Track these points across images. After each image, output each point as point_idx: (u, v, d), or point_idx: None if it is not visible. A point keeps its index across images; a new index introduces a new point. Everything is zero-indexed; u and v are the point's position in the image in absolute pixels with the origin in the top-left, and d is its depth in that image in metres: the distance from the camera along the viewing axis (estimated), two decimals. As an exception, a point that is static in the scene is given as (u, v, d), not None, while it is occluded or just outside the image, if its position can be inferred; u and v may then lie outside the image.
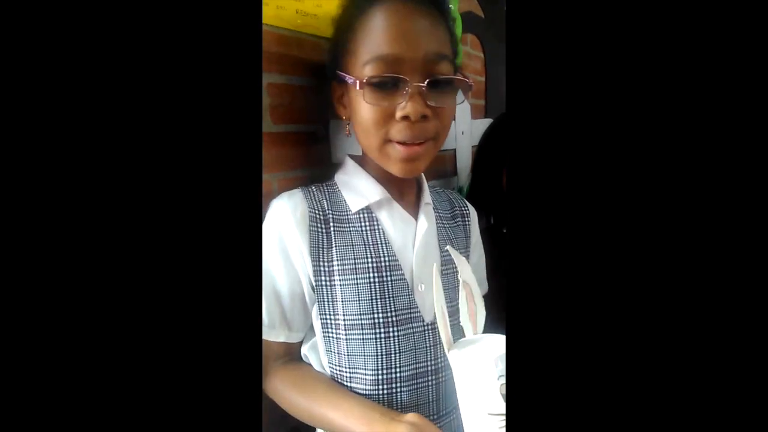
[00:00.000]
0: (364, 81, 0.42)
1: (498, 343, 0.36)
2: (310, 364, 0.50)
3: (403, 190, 0.52)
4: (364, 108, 0.43)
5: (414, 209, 0.52)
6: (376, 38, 0.42)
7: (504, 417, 0.32)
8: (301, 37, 0.56)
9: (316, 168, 0.59)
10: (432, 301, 0.45)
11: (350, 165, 0.52)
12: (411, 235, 0.49)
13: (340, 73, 0.46)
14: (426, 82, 0.42)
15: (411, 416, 0.38)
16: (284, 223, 0.46)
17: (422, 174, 0.54)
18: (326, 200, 0.49)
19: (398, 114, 0.42)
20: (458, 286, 0.52)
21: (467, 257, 0.57)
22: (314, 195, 0.49)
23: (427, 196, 0.53)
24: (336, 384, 0.47)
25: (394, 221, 0.49)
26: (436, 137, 0.46)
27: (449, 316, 0.39)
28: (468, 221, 0.58)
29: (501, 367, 0.33)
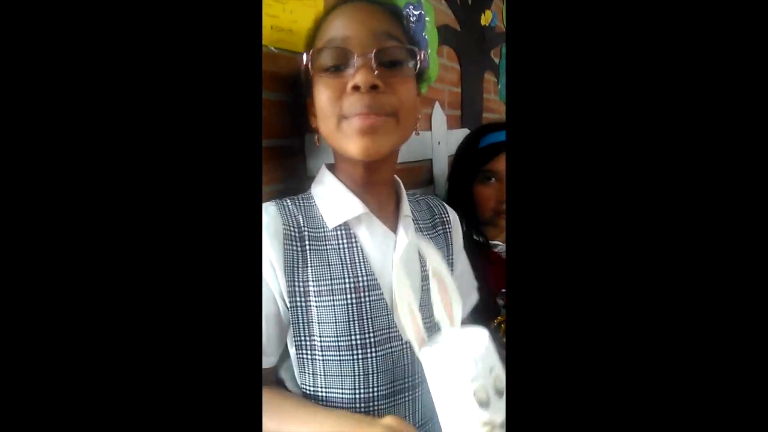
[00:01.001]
0: (314, 74, 0.45)
1: (477, 337, 0.32)
2: (280, 387, 0.49)
3: (381, 201, 0.50)
4: (319, 89, 0.45)
5: (393, 222, 0.50)
6: (329, 27, 0.45)
7: (487, 422, 0.29)
8: (275, 53, 0.56)
9: (291, 181, 0.60)
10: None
11: (326, 176, 0.51)
12: (390, 252, 0.48)
13: (301, 60, 0.47)
14: (373, 53, 0.43)
15: (388, 419, 0.38)
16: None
17: (400, 183, 0.54)
18: (302, 216, 0.47)
19: (349, 86, 0.43)
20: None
21: (451, 266, 0.55)
22: (289, 210, 0.48)
23: (406, 208, 0.52)
24: (304, 400, 0.46)
25: (373, 237, 0.48)
26: (394, 113, 0.44)
27: (433, 328, 0.37)
28: (449, 228, 0.57)
29: (479, 367, 0.29)
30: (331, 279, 0.45)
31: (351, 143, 0.44)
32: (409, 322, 0.34)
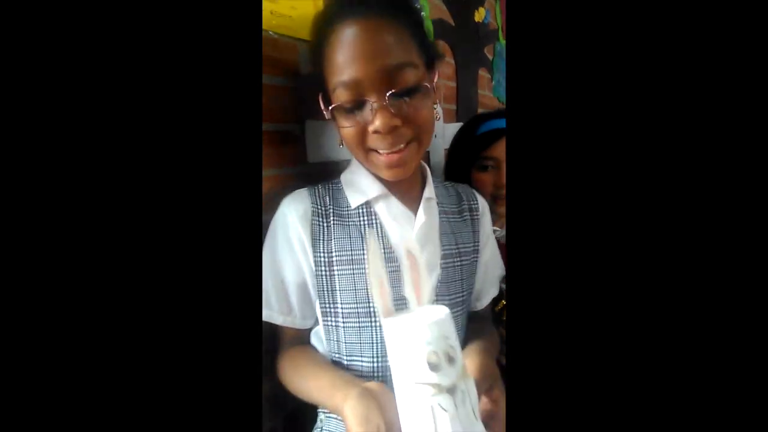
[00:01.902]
0: (331, 109, 0.46)
1: (437, 310, 0.33)
2: (313, 348, 0.53)
3: (404, 187, 0.52)
4: (342, 129, 0.47)
5: (415, 205, 0.52)
6: (337, 64, 0.43)
7: (435, 384, 0.30)
8: (274, 38, 0.56)
9: (291, 167, 0.60)
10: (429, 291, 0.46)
11: (354, 164, 0.54)
12: (408, 230, 0.50)
13: (320, 104, 0.48)
14: (387, 96, 0.42)
15: (370, 383, 0.40)
16: (289, 219, 0.50)
17: (426, 168, 0.56)
18: (329, 197, 0.52)
19: (370, 129, 0.44)
20: (460, 278, 0.52)
21: (476, 253, 0.56)
22: (319, 192, 0.52)
23: (429, 191, 0.54)
24: (321, 360, 0.50)
25: (392, 215, 0.50)
26: (416, 139, 0.46)
27: (451, 308, 0.39)
28: (477, 215, 0.58)
29: (434, 332, 0.30)
30: (351, 250, 0.48)
31: (381, 171, 0.48)
32: (377, 293, 0.35)
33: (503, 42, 1.35)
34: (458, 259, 0.53)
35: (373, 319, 0.47)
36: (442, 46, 1.01)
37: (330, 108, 0.46)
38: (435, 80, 0.48)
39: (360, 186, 0.52)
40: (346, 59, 0.42)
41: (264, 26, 0.54)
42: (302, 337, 0.53)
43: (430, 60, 0.48)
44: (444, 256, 0.52)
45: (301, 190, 0.53)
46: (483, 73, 1.22)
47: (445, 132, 0.98)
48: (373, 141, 0.45)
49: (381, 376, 0.47)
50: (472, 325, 0.56)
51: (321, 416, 0.54)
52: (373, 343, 0.47)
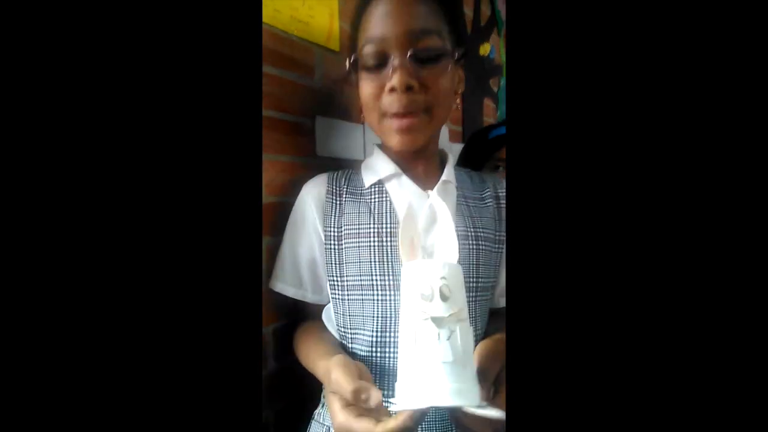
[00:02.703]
0: (352, 62, 0.49)
1: (449, 260, 0.36)
2: (321, 324, 0.55)
3: (420, 168, 0.53)
4: (362, 86, 0.49)
5: (431, 187, 0.52)
6: (369, 24, 0.48)
7: (424, 316, 0.32)
8: (293, 39, 0.63)
9: (300, 156, 0.64)
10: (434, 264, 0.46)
11: (375, 151, 0.56)
12: (420, 207, 0.49)
13: (347, 61, 0.50)
14: (408, 55, 0.45)
15: (341, 356, 0.40)
16: (305, 200, 0.53)
17: (447, 154, 0.57)
18: (345, 179, 0.54)
19: (387, 86, 0.46)
20: (475, 262, 0.51)
21: (501, 243, 0.55)
22: (337, 176, 0.55)
23: (447, 174, 0.54)
24: (321, 333, 0.53)
25: (404, 194, 0.51)
26: (429, 110, 0.47)
27: (479, 292, 0.44)
28: (502, 204, 0.56)
29: (432, 270, 0.34)
30: (359, 224, 0.50)
31: (390, 138, 0.49)
32: (407, 247, 0.38)
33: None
34: (474, 242, 0.51)
35: (375, 292, 0.48)
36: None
37: (353, 61, 0.48)
38: (458, 58, 0.49)
39: (375, 167, 0.54)
40: (377, 20, 0.47)
41: (284, 27, 0.61)
42: (315, 313, 0.55)
43: (458, 39, 0.50)
44: (459, 238, 0.51)
45: (321, 174, 0.56)
46: (488, 102, 1.29)
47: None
48: (388, 102, 0.47)
49: (379, 350, 0.47)
50: (493, 320, 0.54)
51: (323, 400, 0.53)
52: (373, 316, 0.47)
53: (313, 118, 0.66)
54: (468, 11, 1.18)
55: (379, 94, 0.47)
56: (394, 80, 0.45)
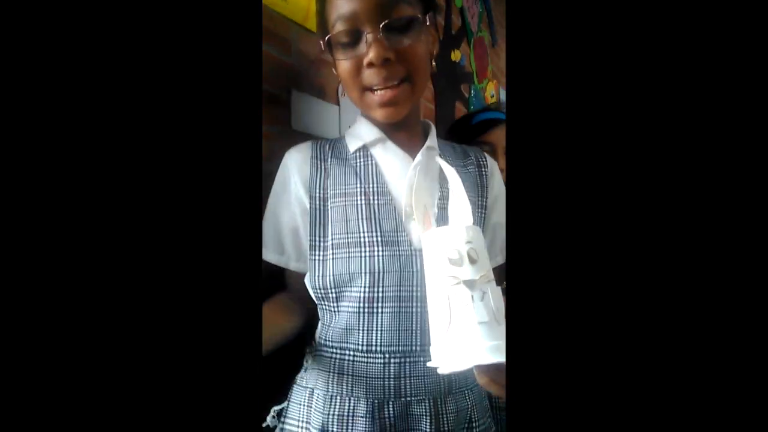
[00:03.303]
0: (327, 41, 0.48)
1: (467, 224, 0.37)
2: (289, 296, 0.55)
3: (404, 136, 0.54)
4: (339, 64, 0.49)
5: (415, 153, 0.52)
6: (336, 2, 0.47)
7: (455, 281, 0.33)
8: (272, 13, 0.65)
9: (274, 126, 0.64)
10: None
11: (358, 119, 0.56)
12: (405, 170, 0.51)
13: (319, 41, 0.50)
14: (381, 27, 0.45)
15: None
16: (288, 166, 0.53)
17: (430, 124, 0.57)
18: (329, 146, 0.55)
19: (365, 61, 0.46)
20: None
21: (483, 208, 0.55)
22: (321, 143, 0.55)
23: (431, 142, 0.54)
24: (284, 302, 0.53)
25: (388, 157, 0.52)
26: (409, 78, 0.48)
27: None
28: (485, 171, 0.57)
29: (458, 235, 0.35)
30: (345, 185, 0.51)
31: (374, 111, 0.50)
32: (421, 215, 0.39)
33: (479, 85, 1.51)
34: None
35: (363, 249, 0.47)
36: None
37: (327, 39, 0.48)
38: (429, 21, 0.49)
39: (359, 133, 0.54)
40: None
41: (265, 1, 0.63)
42: (296, 285, 0.54)
43: (428, 3, 0.50)
44: (442, 197, 0.51)
45: (305, 142, 0.56)
46: (460, 106, 1.35)
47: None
48: (367, 76, 0.47)
49: (368, 306, 0.47)
50: None
51: (306, 364, 0.53)
52: (362, 273, 0.47)
53: (288, 91, 0.67)
54: (440, 19, 1.25)
55: (358, 69, 0.48)
56: (371, 55, 0.45)
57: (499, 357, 0.31)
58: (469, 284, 0.33)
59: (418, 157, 0.51)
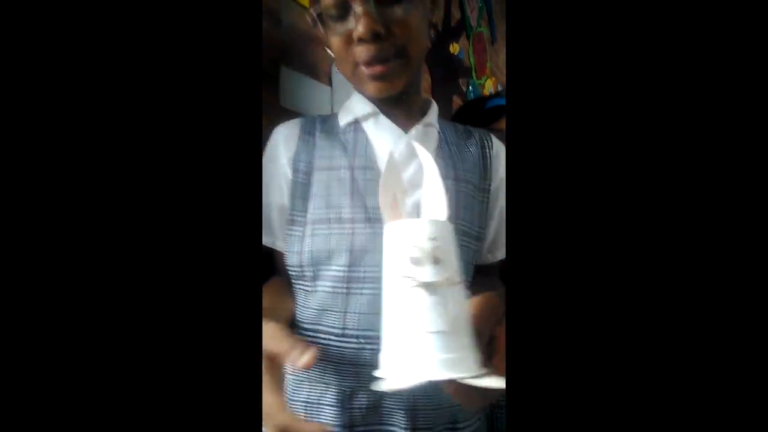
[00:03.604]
0: (316, 15, 0.44)
1: (437, 218, 0.33)
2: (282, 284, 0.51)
3: (400, 110, 0.50)
4: (330, 39, 0.45)
5: (410, 128, 0.48)
6: None
7: (414, 282, 0.29)
8: (261, -15, 0.61)
9: (264, 103, 0.61)
10: (408, 210, 0.41)
11: (352, 94, 0.53)
12: (396, 145, 0.47)
13: (310, 16, 0.47)
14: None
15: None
16: (276, 142, 0.50)
17: (431, 102, 0.53)
18: (319, 120, 0.52)
19: (354, 37, 0.42)
20: (455, 204, 0.45)
21: (486, 192, 0.52)
22: (310, 118, 0.52)
23: (430, 118, 0.50)
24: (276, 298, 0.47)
25: (380, 132, 0.48)
26: (402, 53, 0.44)
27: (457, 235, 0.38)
28: (489, 153, 0.53)
29: (421, 232, 0.30)
30: (331, 158, 0.47)
31: (366, 86, 0.46)
32: (386, 203, 0.35)
33: (477, 81, 1.48)
34: (453, 182, 0.47)
35: (344, 225, 0.44)
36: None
37: (316, 14, 0.44)
38: None
39: (351, 107, 0.51)
40: None
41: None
42: (285, 267, 0.50)
43: None
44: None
45: (294, 118, 0.52)
46: (457, 99, 1.32)
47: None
48: (358, 52, 0.43)
49: (348, 285, 0.43)
50: (479, 278, 0.50)
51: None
52: (343, 250, 0.44)
53: (277, 67, 0.64)
54: (438, 11, 1.23)
55: (348, 44, 0.44)
56: (359, 29, 0.42)
57: (453, 372, 0.27)
58: (429, 287, 0.29)
59: (411, 131, 0.48)
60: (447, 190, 0.45)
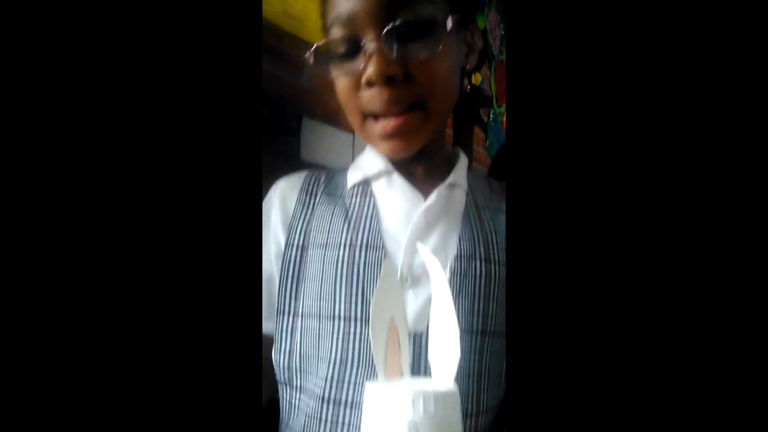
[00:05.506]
0: (316, 50, 0.36)
1: (438, 383, 0.25)
2: None
3: (422, 171, 0.41)
4: (336, 83, 0.37)
5: (431, 190, 0.39)
6: (332, 1, 0.35)
7: None
8: (282, 34, 0.58)
9: (283, 157, 0.57)
10: (424, 302, 0.35)
11: (366, 147, 0.44)
12: (411, 215, 0.38)
13: (310, 51, 0.38)
14: (385, 33, 0.32)
15: None
16: (271, 201, 0.42)
17: (459, 153, 0.43)
18: (326, 177, 0.42)
19: (363, 79, 0.34)
20: (484, 294, 0.37)
21: None
22: (316, 174, 0.43)
23: (455, 177, 0.40)
24: None
25: (392, 196, 0.39)
26: (422, 105, 0.35)
27: (487, 338, 0.32)
28: None
29: (418, 412, 0.23)
30: (328, 231, 0.38)
31: (377, 144, 0.38)
32: (380, 336, 0.26)
33: (498, 110, 1.44)
34: (482, 264, 0.37)
35: (335, 324, 0.35)
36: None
37: (314, 48, 0.36)
38: (459, 26, 0.36)
39: (362, 164, 0.41)
40: None
41: (274, 20, 0.56)
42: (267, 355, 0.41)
43: (458, 1, 0.37)
44: (458, 257, 0.37)
45: (299, 172, 0.43)
46: (478, 130, 1.28)
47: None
48: (367, 99, 0.35)
49: (335, 409, 0.34)
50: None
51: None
52: (329, 359, 0.35)
53: (299, 119, 0.61)
54: (473, 58, 1.19)
55: (356, 88, 0.35)
56: (370, 70, 0.33)
57: None
58: None
59: (431, 198, 0.37)
60: (475, 276, 0.38)
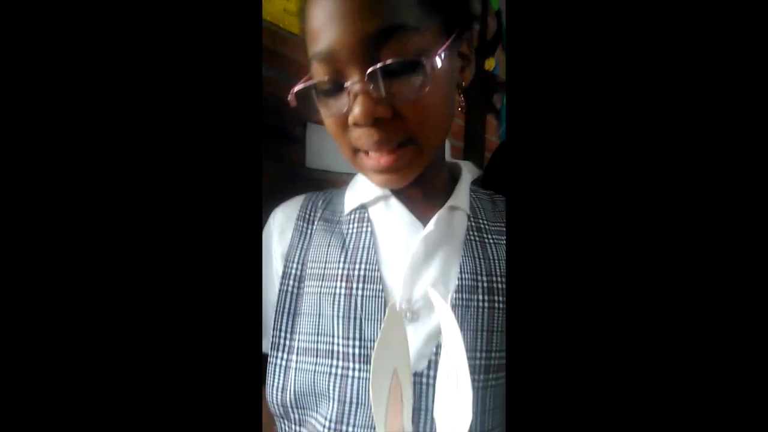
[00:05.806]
0: (294, 93, 0.34)
1: None
2: None
3: (422, 192, 0.39)
4: (324, 117, 0.34)
5: (432, 214, 0.37)
6: (312, 29, 0.32)
7: None
8: (285, 35, 0.56)
9: (287, 165, 0.56)
10: (424, 339, 0.34)
11: None
12: (409, 243, 0.36)
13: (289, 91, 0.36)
14: (369, 73, 0.30)
15: None
16: (271, 229, 0.41)
17: (461, 170, 0.42)
18: (324, 201, 0.41)
19: (350, 119, 0.32)
20: (489, 328, 0.35)
21: None
22: (315, 198, 0.42)
23: (457, 199, 0.38)
24: None
25: (390, 223, 0.38)
26: (413, 139, 0.33)
27: (492, 373, 0.31)
28: None
29: None
30: (325, 263, 0.37)
31: (371, 177, 0.36)
32: (382, 393, 0.24)
33: (511, 94, 1.39)
34: (486, 297, 0.35)
35: (333, 363, 0.34)
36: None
37: (295, 91, 0.33)
38: (453, 44, 0.33)
39: (358, 186, 0.41)
40: (322, 19, 0.30)
41: (274, 20, 0.54)
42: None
43: (449, 20, 0.33)
44: (460, 289, 0.35)
45: (298, 196, 0.43)
46: (491, 118, 1.24)
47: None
48: (356, 137, 0.33)
49: None
50: None
51: None
52: (330, 398, 0.34)
53: (304, 125, 0.59)
54: (470, 67, 1.13)
55: (344, 128, 0.33)
56: (356, 113, 0.31)
57: None
58: None
59: (430, 224, 0.36)
60: (478, 308, 0.36)
